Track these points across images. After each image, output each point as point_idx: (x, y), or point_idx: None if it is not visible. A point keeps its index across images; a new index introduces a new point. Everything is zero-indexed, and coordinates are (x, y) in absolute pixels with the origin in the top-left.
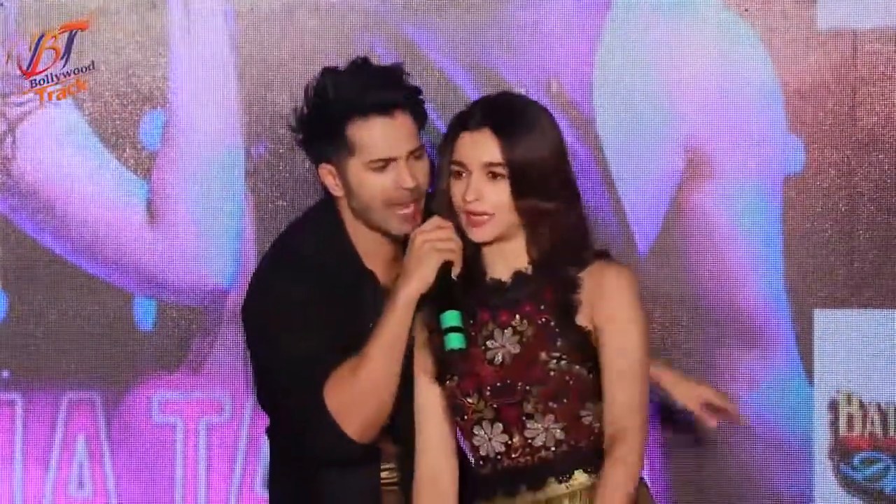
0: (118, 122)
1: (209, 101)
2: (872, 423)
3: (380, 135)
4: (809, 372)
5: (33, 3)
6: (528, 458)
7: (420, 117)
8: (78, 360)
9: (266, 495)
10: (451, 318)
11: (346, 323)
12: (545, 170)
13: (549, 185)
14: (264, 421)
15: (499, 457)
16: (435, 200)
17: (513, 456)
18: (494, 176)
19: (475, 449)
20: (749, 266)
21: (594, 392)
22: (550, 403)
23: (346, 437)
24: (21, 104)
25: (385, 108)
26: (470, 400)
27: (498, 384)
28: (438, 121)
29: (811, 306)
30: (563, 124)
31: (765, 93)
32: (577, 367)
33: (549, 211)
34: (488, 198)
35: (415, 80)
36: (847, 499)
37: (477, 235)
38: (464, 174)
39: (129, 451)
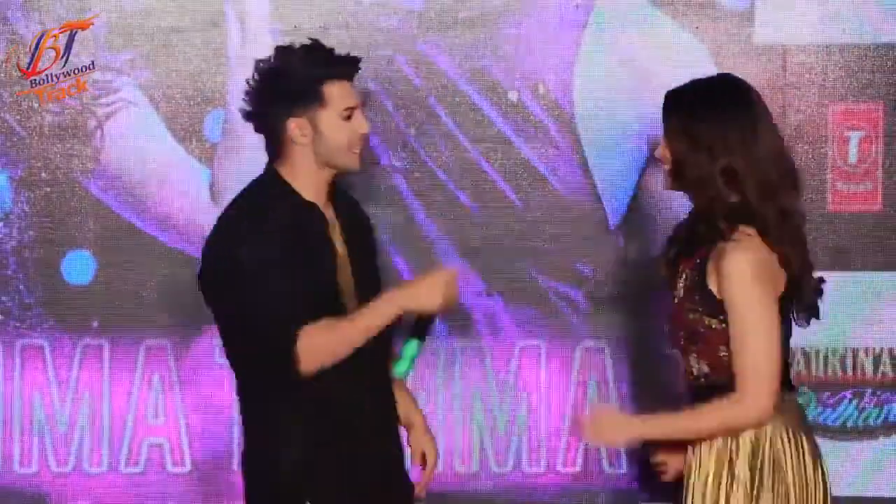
0: (186, 120)
1: None
2: (798, 363)
3: (349, 92)
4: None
5: (117, 21)
6: (693, 382)
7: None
8: (154, 312)
9: None
10: (412, 347)
11: (305, 254)
12: (681, 135)
13: (677, 144)
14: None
15: (695, 378)
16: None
17: (689, 379)
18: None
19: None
20: None
21: (727, 339)
22: (690, 345)
23: (296, 371)
24: (108, 104)
25: (350, 75)
26: (672, 332)
27: (669, 323)
28: (446, 117)
29: None
30: (547, 121)
31: None
32: (707, 318)
33: (682, 160)
34: (663, 151)
35: (425, 86)
36: None
37: (664, 181)
38: None
39: (195, 387)
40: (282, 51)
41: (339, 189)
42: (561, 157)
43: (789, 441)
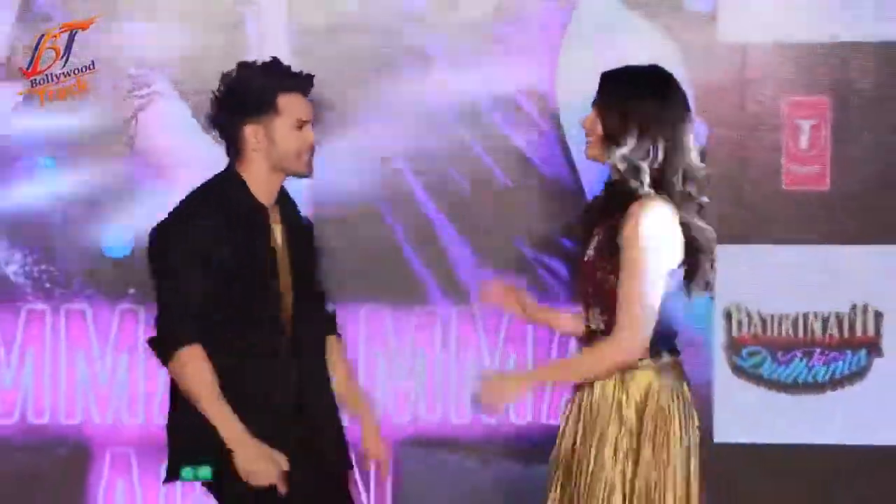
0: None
1: None
2: (755, 326)
3: (302, 105)
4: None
5: (148, 22)
6: (591, 334)
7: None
8: None
9: None
10: (205, 472)
11: (242, 247)
12: (615, 112)
13: (610, 113)
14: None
15: (585, 329)
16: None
17: (588, 331)
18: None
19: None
20: None
21: None
22: (595, 300)
23: (163, 362)
24: (142, 97)
25: (305, 89)
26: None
27: (578, 279)
28: (443, 105)
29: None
30: (533, 112)
31: None
32: (613, 277)
33: (611, 132)
34: (590, 124)
35: (425, 81)
36: (737, 381)
37: (586, 150)
38: None
39: None
40: (243, 65)
41: (285, 193)
42: (545, 144)
43: (674, 398)
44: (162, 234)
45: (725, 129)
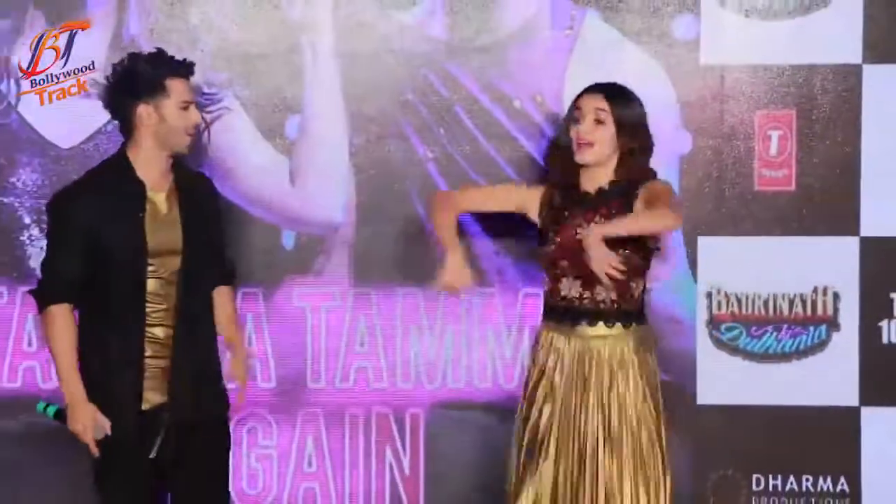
0: (272, 122)
1: (327, 108)
2: (732, 305)
3: (186, 88)
4: (694, 274)
5: (221, 47)
6: (591, 305)
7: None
8: (250, 267)
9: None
10: (51, 411)
11: (120, 223)
12: (633, 122)
13: (634, 132)
14: (363, 305)
15: (573, 300)
16: (562, 138)
17: (583, 301)
18: (599, 122)
19: (558, 290)
20: None
21: (641, 272)
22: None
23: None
24: (213, 111)
25: (188, 74)
26: (564, 262)
27: (576, 256)
28: (467, 120)
29: (696, 234)
30: (543, 123)
31: (666, 103)
32: (628, 252)
33: (636, 148)
34: (593, 133)
35: (451, 96)
36: (716, 353)
37: (582, 157)
38: (580, 119)
39: (279, 324)
40: (132, 55)
41: (181, 165)
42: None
43: (637, 351)
44: (54, 204)
45: (706, 138)
